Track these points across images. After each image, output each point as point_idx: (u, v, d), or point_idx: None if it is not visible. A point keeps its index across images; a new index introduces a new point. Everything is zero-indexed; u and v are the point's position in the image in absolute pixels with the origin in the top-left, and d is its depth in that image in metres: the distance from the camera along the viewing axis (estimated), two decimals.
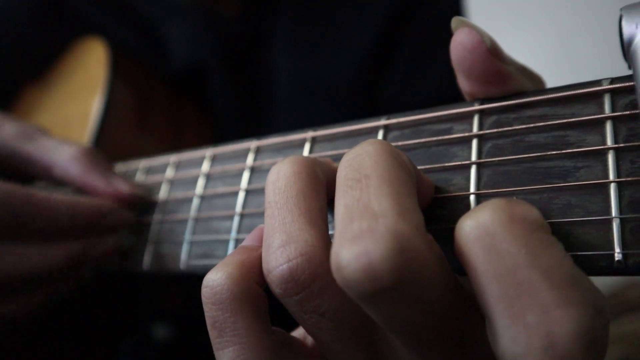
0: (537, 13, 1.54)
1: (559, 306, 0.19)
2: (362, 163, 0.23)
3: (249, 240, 0.28)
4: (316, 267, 0.23)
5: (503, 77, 0.26)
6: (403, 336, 0.22)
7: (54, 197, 0.38)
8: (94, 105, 0.59)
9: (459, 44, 0.25)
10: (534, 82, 0.29)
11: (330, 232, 0.27)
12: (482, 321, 0.22)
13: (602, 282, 0.26)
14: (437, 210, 0.27)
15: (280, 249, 0.23)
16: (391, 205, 0.20)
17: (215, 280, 0.25)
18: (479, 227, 0.21)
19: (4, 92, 0.69)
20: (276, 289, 0.23)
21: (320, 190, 0.25)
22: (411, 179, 0.23)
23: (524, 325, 0.19)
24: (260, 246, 0.27)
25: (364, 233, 0.20)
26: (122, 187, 0.42)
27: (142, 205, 0.43)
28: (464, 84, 0.27)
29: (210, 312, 0.25)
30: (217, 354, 0.25)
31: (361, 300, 0.20)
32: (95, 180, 0.42)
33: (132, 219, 0.42)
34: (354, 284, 0.19)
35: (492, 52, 0.25)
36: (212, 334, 0.25)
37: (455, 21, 0.26)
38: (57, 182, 0.44)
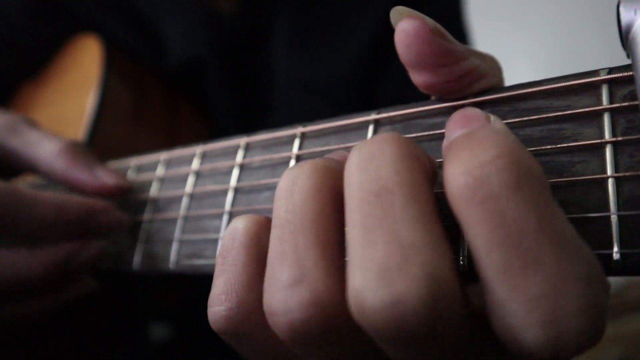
0: (536, 13, 1.52)
1: (566, 279, 0.17)
2: (380, 170, 0.20)
3: None
4: (331, 319, 0.19)
5: (453, 56, 0.24)
6: None
7: (41, 194, 0.36)
8: (89, 103, 0.59)
9: (402, 31, 0.24)
10: (486, 62, 0.27)
11: None
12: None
13: None
14: None
15: (291, 288, 0.20)
16: (423, 235, 0.18)
17: (239, 219, 0.25)
18: (479, 187, 0.18)
19: (0, 90, 0.69)
20: (279, 332, 0.20)
21: (342, 209, 0.21)
22: (432, 184, 0.21)
23: (526, 298, 0.17)
24: None
25: (393, 271, 0.17)
26: (108, 180, 0.40)
27: (133, 204, 0.43)
28: (417, 78, 0.25)
29: (224, 240, 0.25)
30: (214, 280, 0.25)
31: (383, 343, 0.19)
32: (80, 173, 0.40)
33: (125, 219, 0.40)
34: (380, 328, 0.17)
35: (435, 32, 0.24)
36: (217, 260, 0.25)
37: (394, 14, 0.24)
38: (43, 177, 0.42)
